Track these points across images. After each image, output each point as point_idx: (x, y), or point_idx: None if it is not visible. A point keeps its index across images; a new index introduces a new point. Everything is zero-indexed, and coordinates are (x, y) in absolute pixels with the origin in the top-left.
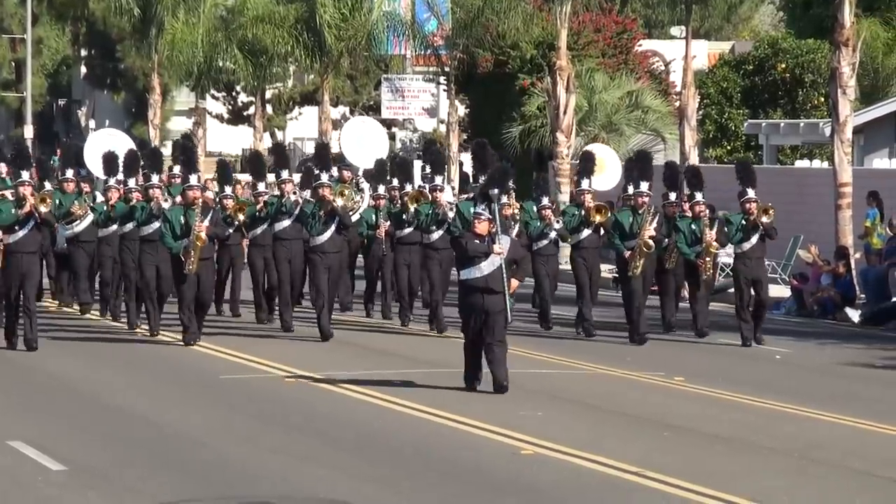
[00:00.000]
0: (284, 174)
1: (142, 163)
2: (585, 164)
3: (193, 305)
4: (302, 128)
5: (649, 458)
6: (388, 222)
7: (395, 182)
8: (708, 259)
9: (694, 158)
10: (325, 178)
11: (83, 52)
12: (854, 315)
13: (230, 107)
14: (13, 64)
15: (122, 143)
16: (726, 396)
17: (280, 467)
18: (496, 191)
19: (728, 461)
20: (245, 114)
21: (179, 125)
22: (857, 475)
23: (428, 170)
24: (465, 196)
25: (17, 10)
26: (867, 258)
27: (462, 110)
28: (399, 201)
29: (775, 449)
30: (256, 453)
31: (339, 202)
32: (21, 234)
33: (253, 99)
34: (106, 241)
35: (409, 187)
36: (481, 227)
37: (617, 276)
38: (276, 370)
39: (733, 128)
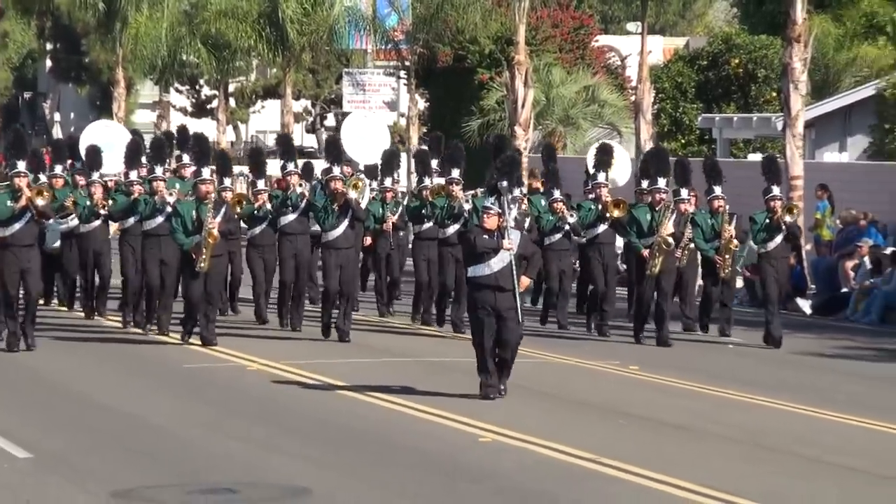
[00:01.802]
0: (290, 166)
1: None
2: (602, 157)
3: (203, 304)
4: (264, 121)
5: (605, 445)
6: (395, 216)
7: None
8: (727, 256)
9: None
10: (336, 170)
11: (48, 46)
12: (805, 305)
13: (194, 100)
14: None
15: (118, 135)
16: (680, 385)
17: (243, 455)
18: (505, 183)
19: (681, 448)
20: (208, 107)
21: (144, 118)
22: (806, 461)
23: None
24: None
25: None
26: (817, 250)
27: (422, 104)
28: (409, 196)
29: (726, 436)
30: (220, 441)
31: (353, 194)
32: (17, 226)
33: (216, 92)
34: (90, 235)
35: (427, 181)
36: (490, 222)
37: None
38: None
39: (688, 122)
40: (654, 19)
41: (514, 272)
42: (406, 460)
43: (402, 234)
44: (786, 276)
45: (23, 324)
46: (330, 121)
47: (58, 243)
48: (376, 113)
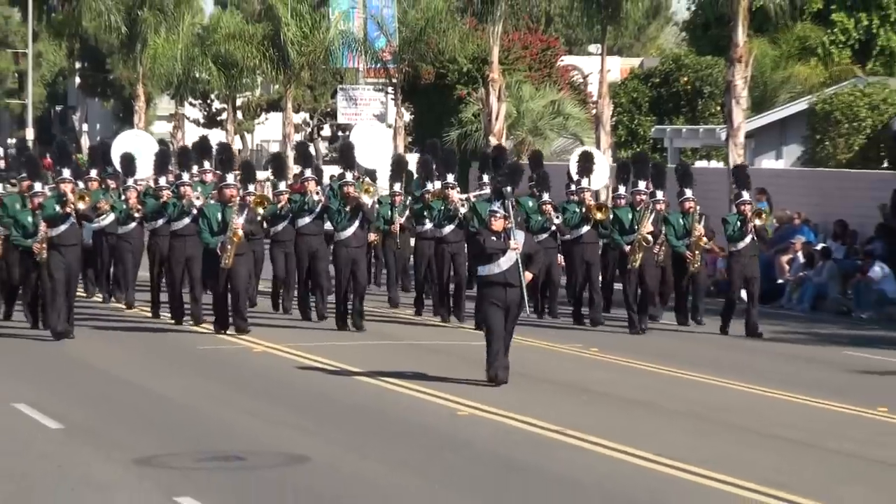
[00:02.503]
0: (308, 173)
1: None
2: (585, 164)
3: (227, 298)
4: (268, 131)
5: (569, 419)
6: (403, 218)
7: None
8: (697, 252)
9: (608, 159)
10: (349, 177)
11: (77, 65)
12: (745, 295)
13: (205, 112)
14: (16, 75)
15: (147, 144)
16: (636, 365)
17: (249, 427)
18: (510, 188)
19: (638, 421)
20: (218, 119)
21: (161, 129)
22: (750, 433)
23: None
24: (475, 193)
25: (19, 27)
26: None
27: (407, 116)
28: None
29: (677, 410)
30: (229, 414)
31: (367, 199)
32: (63, 228)
33: (225, 106)
34: (126, 237)
35: (429, 185)
36: (497, 224)
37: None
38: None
39: (642, 132)
40: (612, 42)
41: (521, 269)
42: (394, 431)
43: (406, 232)
44: (756, 272)
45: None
46: (326, 131)
47: (90, 240)
48: (374, 124)
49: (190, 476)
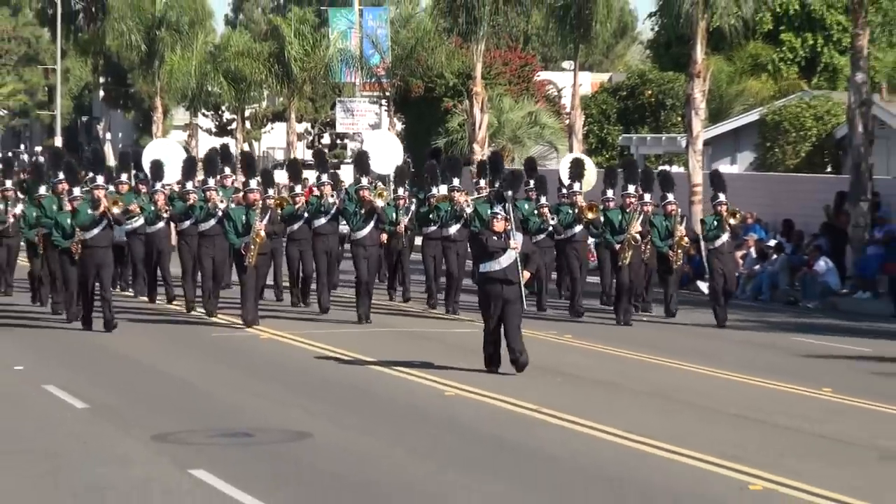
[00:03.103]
0: (324, 178)
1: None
2: (577, 170)
3: (253, 293)
4: (273, 139)
5: (545, 399)
6: (407, 219)
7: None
8: (680, 251)
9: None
10: (364, 181)
11: (101, 80)
12: (703, 286)
13: (216, 122)
14: (46, 88)
15: (173, 151)
16: (607, 351)
17: (256, 406)
18: (510, 192)
19: (609, 401)
20: (229, 128)
21: (176, 137)
22: (709, 412)
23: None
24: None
25: (49, 45)
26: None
27: (399, 126)
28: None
29: (646, 392)
30: (238, 395)
31: (380, 203)
32: (96, 231)
33: (235, 116)
34: (154, 236)
35: (434, 190)
36: (498, 226)
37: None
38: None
39: (610, 140)
40: (583, 59)
41: (519, 268)
42: (388, 411)
43: (409, 233)
44: (733, 268)
45: (101, 307)
46: (326, 139)
47: (123, 238)
48: (385, 133)
49: (203, 451)
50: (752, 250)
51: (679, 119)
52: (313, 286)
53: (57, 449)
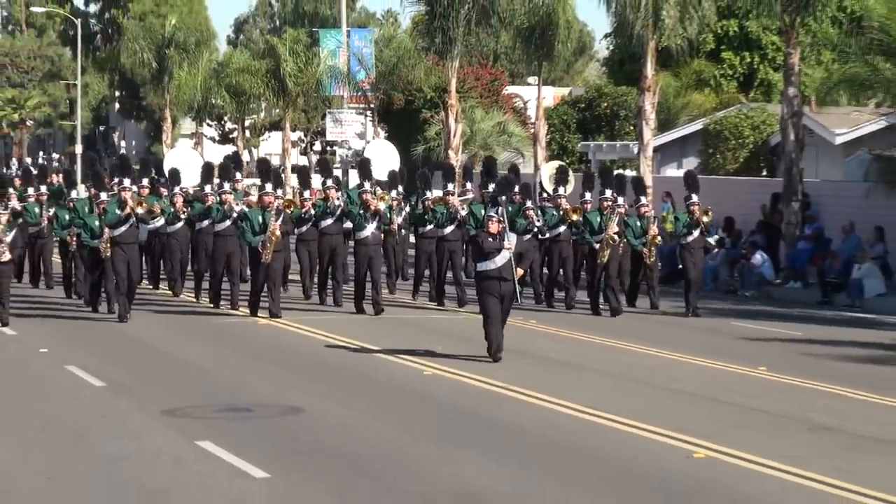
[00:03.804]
0: (329, 182)
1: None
2: (561, 176)
3: (267, 288)
4: (270, 146)
5: (513, 378)
6: (401, 219)
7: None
8: (652, 249)
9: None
10: (367, 185)
11: (117, 93)
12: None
13: (220, 131)
14: (68, 101)
15: (190, 158)
16: (569, 335)
17: (248, 380)
18: (504, 197)
19: (568, 379)
20: (230, 136)
21: (184, 145)
22: (658, 389)
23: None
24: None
25: (70, 63)
26: (663, 238)
27: (382, 135)
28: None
29: (603, 371)
30: (239, 375)
31: (382, 206)
32: (123, 229)
33: (236, 126)
34: (174, 235)
35: (429, 193)
36: (493, 227)
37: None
38: (314, 334)
39: (570, 147)
40: (546, 75)
41: (513, 266)
42: (367, 388)
43: (403, 232)
44: (702, 261)
45: (119, 299)
46: (317, 146)
47: (146, 236)
48: (383, 143)
49: (208, 424)
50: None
51: (631, 128)
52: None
53: (77, 422)
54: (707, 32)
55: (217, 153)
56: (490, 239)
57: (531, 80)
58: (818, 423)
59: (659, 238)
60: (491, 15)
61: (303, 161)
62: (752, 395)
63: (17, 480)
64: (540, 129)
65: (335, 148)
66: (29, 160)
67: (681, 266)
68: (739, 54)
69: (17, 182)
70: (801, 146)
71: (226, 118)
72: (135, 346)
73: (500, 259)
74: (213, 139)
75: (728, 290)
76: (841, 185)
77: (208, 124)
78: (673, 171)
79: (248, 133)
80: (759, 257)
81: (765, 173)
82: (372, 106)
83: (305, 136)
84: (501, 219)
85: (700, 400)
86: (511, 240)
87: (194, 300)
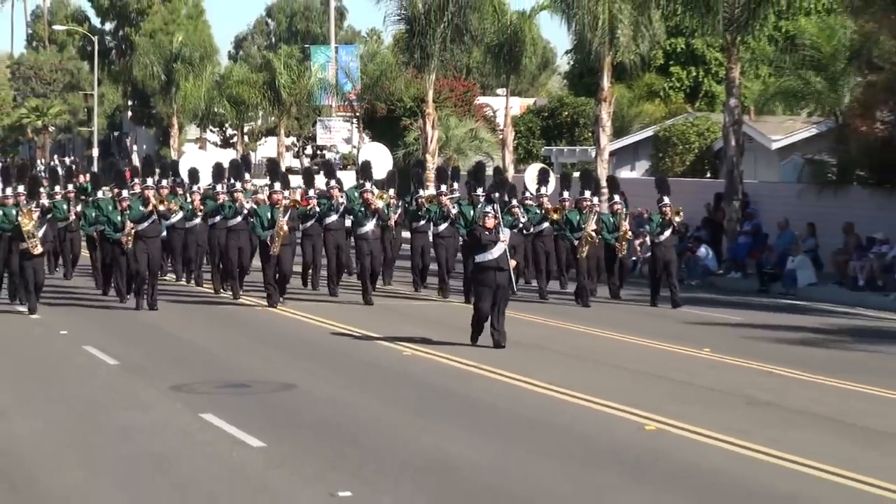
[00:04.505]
0: (333, 182)
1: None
2: (543, 177)
3: (275, 279)
4: (267, 150)
5: (483, 358)
6: (397, 214)
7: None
8: (624, 243)
9: (511, 172)
10: (368, 185)
11: (129, 102)
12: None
13: (221, 137)
14: (86, 110)
15: (204, 159)
16: (542, 322)
17: (248, 360)
18: (497, 195)
19: (534, 360)
20: (231, 141)
21: (189, 149)
22: (612, 368)
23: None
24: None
25: (87, 75)
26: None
27: (367, 140)
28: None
29: (563, 352)
30: (238, 355)
31: (381, 204)
32: (146, 224)
33: (236, 132)
34: (191, 231)
35: (422, 192)
36: (490, 222)
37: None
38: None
39: (535, 152)
40: (514, 86)
41: (508, 257)
42: (353, 367)
43: (398, 226)
44: (673, 257)
45: (147, 289)
46: (308, 150)
47: (164, 233)
48: (378, 146)
49: (210, 398)
50: (647, 239)
51: (590, 135)
52: (323, 273)
53: (93, 396)
54: (657, 49)
55: (219, 156)
56: (487, 232)
57: (500, 91)
58: (756, 398)
59: (630, 233)
60: (464, 33)
61: (295, 163)
62: (697, 374)
63: (40, 448)
64: (507, 136)
65: (324, 151)
66: (56, 161)
67: (652, 261)
68: (686, 69)
69: (45, 181)
70: (741, 151)
71: (227, 125)
72: (147, 329)
73: (497, 250)
74: (215, 144)
75: (677, 280)
76: (777, 186)
77: (211, 130)
78: (627, 173)
79: (246, 138)
80: (703, 250)
81: (709, 175)
82: (357, 114)
83: (298, 140)
84: (497, 215)
85: (652, 378)
86: (505, 233)
87: (211, 291)
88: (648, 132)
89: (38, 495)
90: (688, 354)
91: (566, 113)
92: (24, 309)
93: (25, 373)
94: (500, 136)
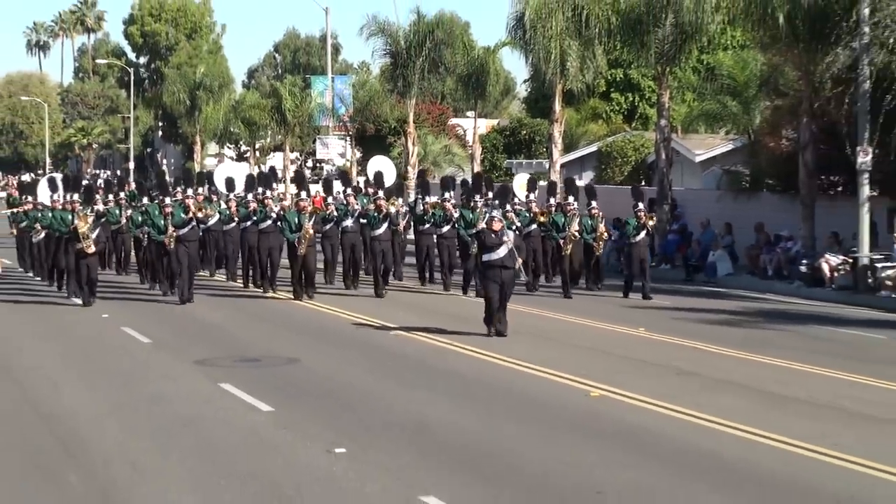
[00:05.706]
0: (349, 190)
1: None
2: (531, 185)
3: (302, 277)
4: (274, 163)
5: (472, 341)
6: (406, 219)
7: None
8: (601, 243)
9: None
10: (381, 193)
11: (160, 123)
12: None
13: (237, 152)
14: (123, 130)
15: (239, 171)
16: (522, 310)
17: (263, 340)
18: (497, 201)
19: (520, 343)
20: (245, 156)
21: (210, 163)
22: (565, 345)
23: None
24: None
25: (125, 101)
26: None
27: (358, 155)
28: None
29: (530, 333)
30: (251, 335)
31: (392, 209)
32: (186, 229)
33: (248, 148)
34: (228, 233)
35: (429, 198)
36: (496, 225)
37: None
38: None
39: (499, 164)
40: (481, 109)
41: (515, 255)
42: (351, 345)
43: (405, 229)
44: (647, 256)
45: (181, 285)
46: (309, 163)
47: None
48: (383, 158)
49: (228, 371)
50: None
51: (544, 150)
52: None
53: (128, 369)
54: (600, 78)
55: (234, 169)
56: (492, 235)
57: (469, 113)
58: (684, 369)
59: (606, 234)
60: (439, 65)
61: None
62: (634, 349)
63: (83, 414)
64: (476, 151)
65: (322, 164)
66: (99, 173)
67: (627, 258)
68: (624, 94)
69: (100, 191)
70: (670, 163)
71: (241, 142)
72: (178, 314)
73: (502, 251)
74: (231, 158)
75: (617, 271)
76: (700, 193)
77: (228, 146)
78: (577, 182)
79: (257, 153)
80: None
81: (643, 184)
82: (350, 133)
83: (300, 155)
84: (501, 219)
85: (595, 353)
86: (510, 235)
87: (242, 286)
88: (593, 147)
89: (88, 454)
90: (626, 333)
91: (525, 132)
92: (78, 301)
93: (72, 350)
94: (470, 151)
